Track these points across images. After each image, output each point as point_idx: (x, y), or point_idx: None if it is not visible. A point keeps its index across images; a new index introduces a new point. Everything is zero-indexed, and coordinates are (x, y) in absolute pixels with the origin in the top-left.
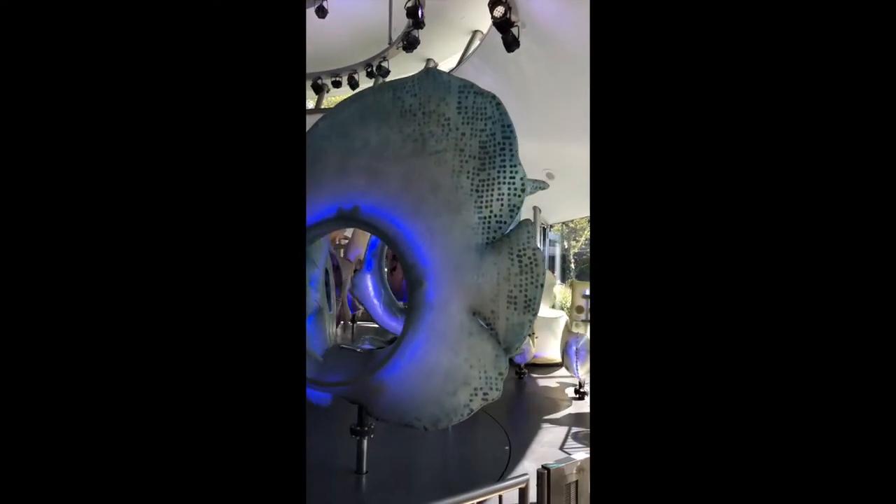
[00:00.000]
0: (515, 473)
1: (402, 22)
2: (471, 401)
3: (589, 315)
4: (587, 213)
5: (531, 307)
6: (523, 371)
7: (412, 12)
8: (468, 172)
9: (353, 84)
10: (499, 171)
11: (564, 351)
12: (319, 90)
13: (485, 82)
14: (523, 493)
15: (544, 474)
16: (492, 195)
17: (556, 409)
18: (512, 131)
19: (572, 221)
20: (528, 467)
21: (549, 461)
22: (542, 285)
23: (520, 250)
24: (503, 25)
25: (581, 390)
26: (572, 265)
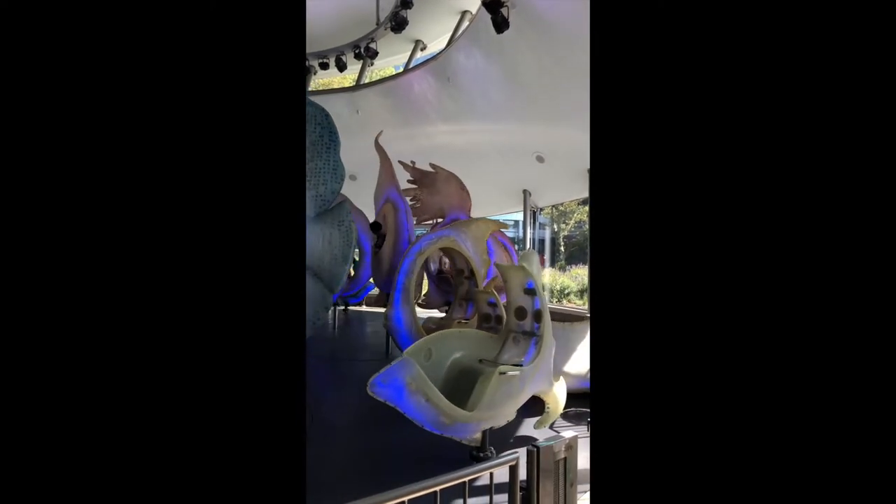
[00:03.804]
0: (506, 452)
1: (390, 2)
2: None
3: (541, 326)
4: (577, 195)
5: (346, 260)
6: None
7: None
8: None
9: (341, 66)
10: (325, 163)
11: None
12: (306, 72)
13: (474, 63)
14: (513, 471)
15: (534, 452)
16: (319, 180)
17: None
18: (337, 137)
19: (562, 204)
20: (518, 446)
21: (539, 439)
22: (353, 245)
23: (340, 221)
24: (493, 6)
25: (478, 453)
26: (562, 248)
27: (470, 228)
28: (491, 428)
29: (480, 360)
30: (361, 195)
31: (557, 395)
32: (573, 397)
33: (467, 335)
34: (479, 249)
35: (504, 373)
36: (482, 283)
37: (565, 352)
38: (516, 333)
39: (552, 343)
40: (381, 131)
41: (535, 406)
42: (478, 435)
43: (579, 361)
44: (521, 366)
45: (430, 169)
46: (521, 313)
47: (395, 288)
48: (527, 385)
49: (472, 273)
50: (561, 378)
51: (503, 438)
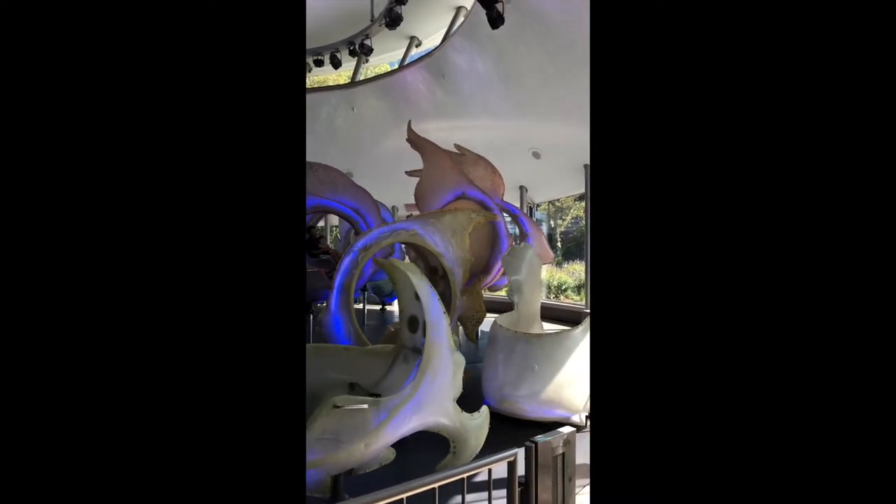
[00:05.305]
0: (504, 448)
1: None
2: None
3: (426, 341)
4: (574, 191)
5: None
6: None
7: None
8: None
9: (336, 63)
10: None
11: None
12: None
13: (469, 60)
14: (512, 467)
15: (532, 448)
16: None
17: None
18: None
19: (559, 200)
20: (517, 442)
21: (537, 434)
22: None
23: None
24: (487, 1)
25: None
26: (559, 244)
27: (442, 220)
28: (351, 472)
29: (352, 385)
30: None
31: (467, 434)
32: (538, 426)
33: (333, 351)
34: (455, 244)
35: (339, 406)
36: (457, 286)
37: (521, 372)
38: (407, 350)
39: (443, 364)
40: (410, 120)
41: None
42: (325, 482)
43: (546, 384)
44: (378, 396)
45: (455, 151)
46: (413, 324)
47: (334, 288)
48: (391, 420)
49: (446, 272)
50: (483, 410)
51: (502, 435)
